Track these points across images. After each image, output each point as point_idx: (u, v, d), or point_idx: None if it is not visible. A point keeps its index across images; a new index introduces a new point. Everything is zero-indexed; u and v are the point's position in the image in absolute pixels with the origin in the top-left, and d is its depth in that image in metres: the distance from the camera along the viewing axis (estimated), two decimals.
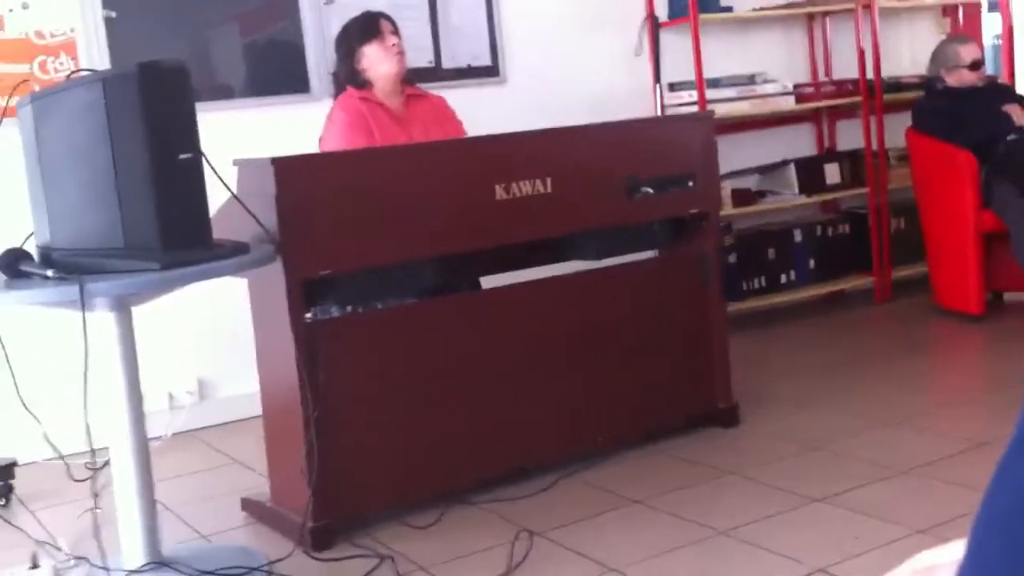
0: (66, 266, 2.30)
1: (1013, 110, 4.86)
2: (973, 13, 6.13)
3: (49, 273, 2.27)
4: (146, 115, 2.33)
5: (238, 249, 2.54)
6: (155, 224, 2.33)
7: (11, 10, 3.90)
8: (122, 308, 2.43)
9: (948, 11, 6.06)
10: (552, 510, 3.01)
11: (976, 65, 5.00)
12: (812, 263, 5.39)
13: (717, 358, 3.61)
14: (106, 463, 2.66)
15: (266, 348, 3.03)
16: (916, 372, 4.18)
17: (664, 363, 3.48)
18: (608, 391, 3.39)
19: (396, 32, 3.83)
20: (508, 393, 3.21)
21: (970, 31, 6.03)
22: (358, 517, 2.98)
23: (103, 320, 2.44)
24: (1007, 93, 5.21)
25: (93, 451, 2.30)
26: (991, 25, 6.41)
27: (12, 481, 3.46)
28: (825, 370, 4.28)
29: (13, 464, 3.45)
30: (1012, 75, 5.83)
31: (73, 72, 3.79)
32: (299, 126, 4.05)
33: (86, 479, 3.33)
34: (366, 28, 3.80)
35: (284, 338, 2.83)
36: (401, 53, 3.81)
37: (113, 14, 4.02)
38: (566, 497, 3.11)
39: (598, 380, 3.37)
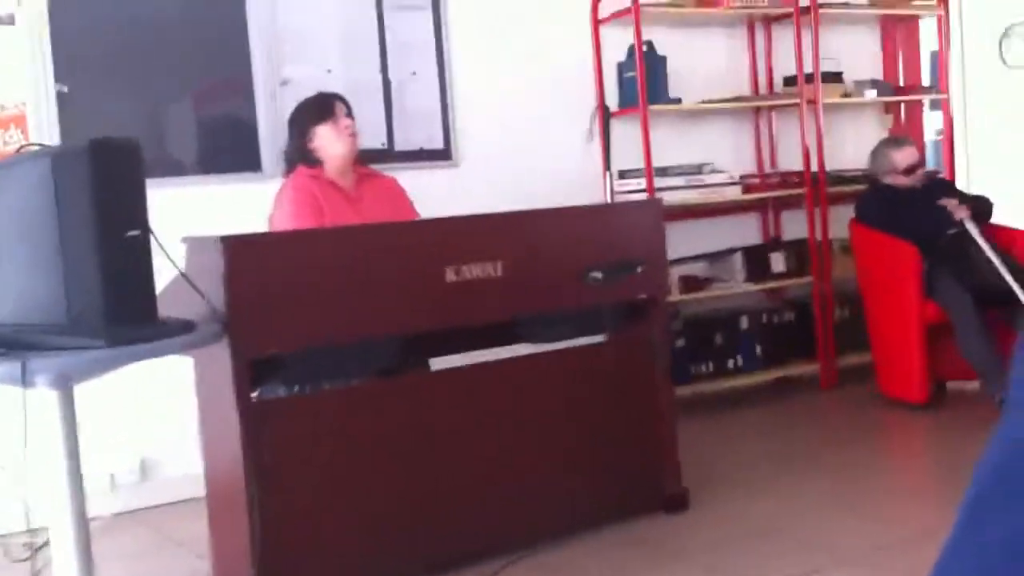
0: (7, 342, 2.26)
1: (950, 204, 4.96)
2: (915, 110, 6.31)
3: None
4: (95, 191, 2.31)
5: (184, 327, 2.51)
6: (100, 301, 2.29)
7: None
8: (64, 386, 2.38)
9: (891, 108, 6.23)
10: None
11: (911, 170, 5.10)
12: (759, 349, 5.43)
13: (666, 442, 3.61)
14: (45, 543, 2.60)
15: (210, 427, 2.98)
16: (862, 459, 4.20)
17: (613, 447, 3.48)
18: (557, 475, 3.37)
19: (350, 114, 3.86)
20: (455, 476, 3.18)
21: (912, 128, 6.20)
22: None
23: (44, 398, 2.39)
24: (947, 188, 5.34)
25: (31, 532, 2.24)
26: (933, 121, 6.60)
27: None
28: (772, 456, 4.29)
29: None
30: (952, 171, 5.99)
31: (23, 146, 3.78)
32: (249, 204, 4.05)
33: (25, 559, 3.25)
34: (320, 109, 3.83)
35: (229, 417, 2.79)
36: (354, 135, 3.84)
37: (65, 88, 4.02)
38: None
39: (547, 464, 3.36)
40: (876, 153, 5.24)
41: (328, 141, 3.80)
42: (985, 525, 0.57)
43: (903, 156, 5.11)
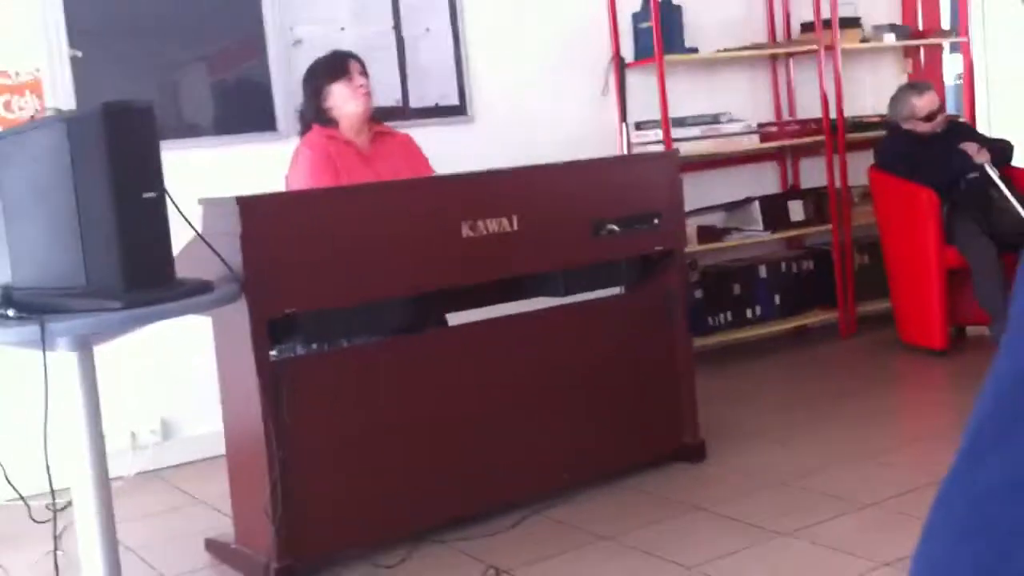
0: (27, 306, 2.29)
1: (970, 148, 4.92)
2: (934, 54, 6.23)
3: (10, 313, 2.25)
4: (110, 155, 2.32)
5: (202, 288, 2.53)
6: (117, 263, 2.32)
7: None
8: (84, 348, 2.41)
9: (910, 52, 6.16)
10: (520, 547, 3.01)
11: (932, 116, 5.03)
12: (777, 299, 5.43)
13: (684, 394, 3.62)
14: (67, 504, 2.63)
15: (230, 387, 3.01)
16: (881, 407, 4.21)
17: (631, 399, 3.49)
18: (575, 428, 3.39)
19: (364, 72, 3.85)
20: (475, 431, 3.21)
21: (931, 72, 6.13)
22: (324, 557, 2.96)
23: (65, 360, 2.42)
24: (967, 132, 5.29)
25: (53, 492, 2.28)
26: (952, 65, 6.52)
27: None
28: (791, 405, 4.30)
29: None
30: (972, 116, 5.92)
31: (38, 112, 3.80)
32: (265, 164, 4.06)
33: (47, 521, 3.30)
34: (334, 67, 3.81)
35: (248, 377, 2.82)
36: (368, 94, 3.83)
37: (79, 53, 4.03)
38: (534, 534, 3.11)
39: (565, 417, 3.38)
40: (896, 99, 5.18)
41: (342, 100, 3.79)
42: (984, 456, 0.57)
43: (924, 102, 5.05)
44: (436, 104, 4.81)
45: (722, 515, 3.13)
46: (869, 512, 3.04)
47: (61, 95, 3.97)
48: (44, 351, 2.15)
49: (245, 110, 4.42)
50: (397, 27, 4.72)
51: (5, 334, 2.24)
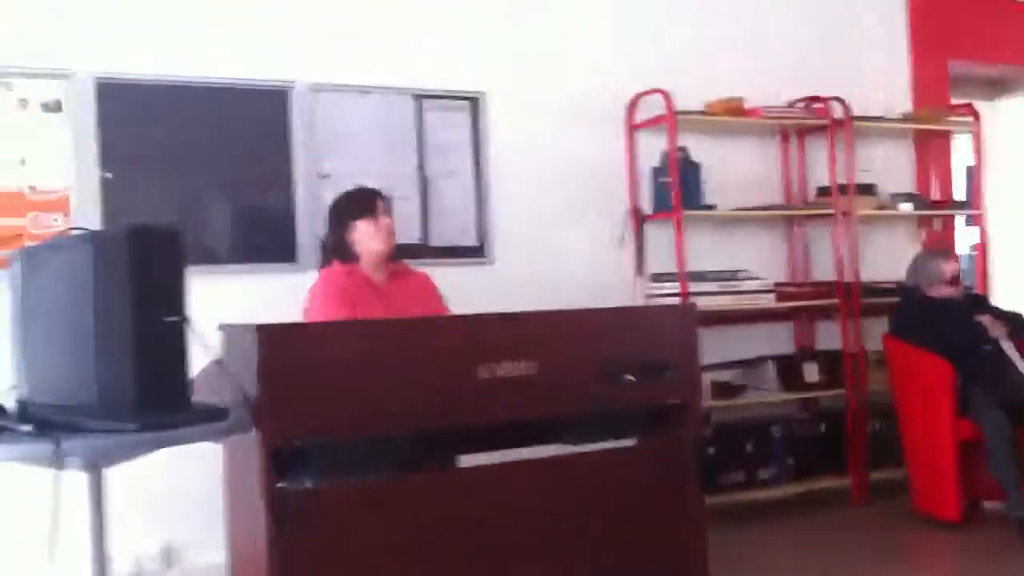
0: (42, 422, 2.26)
1: (986, 320, 4.95)
2: (948, 224, 6.31)
3: (24, 428, 2.22)
4: (133, 276, 2.33)
5: (215, 414, 2.50)
6: (133, 384, 2.30)
7: (8, 164, 3.95)
8: (95, 468, 2.38)
9: (924, 221, 6.23)
10: None
11: (955, 280, 5.12)
12: (790, 460, 5.36)
13: (695, 551, 3.53)
14: None
15: (236, 515, 2.95)
16: None
17: (641, 553, 3.40)
18: None
19: (389, 212, 3.89)
20: (479, 574, 3.12)
21: (945, 240, 6.19)
22: None
23: (75, 479, 2.38)
24: (981, 303, 5.31)
25: None
26: (965, 235, 6.59)
27: None
28: (803, 573, 4.18)
29: None
30: (985, 286, 5.96)
31: (66, 229, 3.83)
32: (284, 295, 4.05)
33: None
34: (361, 204, 3.86)
35: (255, 506, 2.76)
36: (391, 234, 3.87)
37: (109, 175, 4.08)
38: None
39: (572, 566, 3.29)
40: (922, 263, 5.23)
41: (366, 237, 3.82)
42: None
43: (950, 267, 5.12)
44: (455, 244, 4.85)
45: None
46: None
47: (89, 214, 4.01)
48: (57, 470, 2.11)
49: (267, 240, 4.46)
50: (422, 167, 4.80)
51: (18, 450, 2.21)
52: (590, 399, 3.37)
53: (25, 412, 2.36)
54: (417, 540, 3.02)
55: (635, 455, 3.55)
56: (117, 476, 2.61)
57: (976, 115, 5.99)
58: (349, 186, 4.14)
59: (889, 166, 6.11)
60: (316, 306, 3.76)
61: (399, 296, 3.87)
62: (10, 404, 2.41)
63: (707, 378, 4.97)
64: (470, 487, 3.22)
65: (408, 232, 4.59)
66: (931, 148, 6.28)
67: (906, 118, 5.95)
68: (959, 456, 4.73)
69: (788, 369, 5.36)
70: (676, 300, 4.96)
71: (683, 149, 5.19)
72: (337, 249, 3.86)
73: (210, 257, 4.30)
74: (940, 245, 6.00)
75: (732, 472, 5.18)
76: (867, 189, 5.75)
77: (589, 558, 3.33)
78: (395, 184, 4.59)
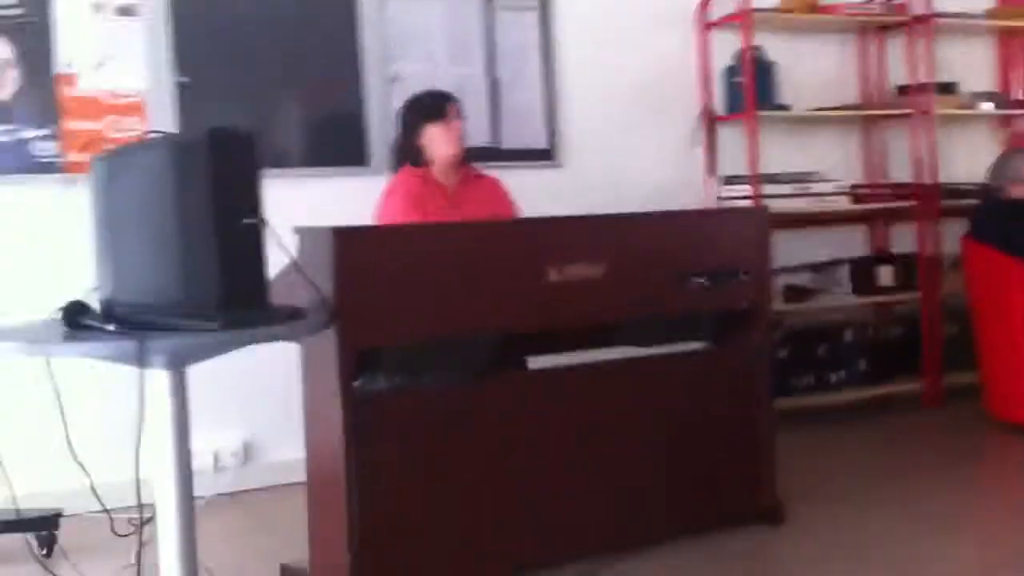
0: (126, 321, 2.32)
1: None
2: None
3: (109, 327, 2.29)
4: (214, 179, 2.36)
5: (295, 314, 2.56)
6: (216, 285, 2.34)
7: (85, 69, 4.00)
8: (178, 366, 2.44)
9: (1006, 121, 6.06)
10: None
11: None
12: (863, 364, 5.33)
13: (763, 455, 3.56)
14: (149, 519, 2.65)
15: (314, 414, 3.03)
16: (964, 481, 4.10)
17: (709, 456, 3.44)
18: (650, 481, 3.35)
19: (461, 116, 3.89)
20: (550, 477, 3.18)
21: None
22: None
23: (158, 377, 2.46)
24: None
25: (141, 507, 2.30)
26: None
27: (56, 532, 3.46)
28: (873, 474, 4.20)
29: (58, 515, 3.45)
30: None
31: (145, 133, 3.89)
32: (355, 198, 4.09)
33: (129, 534, 3.33)
34: (433, 108, 3.86)
35: (333, 405, 2.83)
36: (462, 138, 3.87)
37: (185, 79, 4.12)
38: None
39: (641, 469, 3.33)
40: (1007, 162, 5.09)
41: (437, 141, 3.83)
42: None
43: None
44: (526, 147, 4.84)
45: None
46: None
47: (164, 118, 4.07)
48: (141, 367, 2.18)
49: (338, 143, 4.48)
50: (491, 69, 4.77)
51: (104, 348, 2.28)
52: (660, 302, 3.38)
53: (110, 311, 2.43)
54: (489, 442, 3.08)
55: (704, 358, 3.57)
56: (199, 376, 2.69)
57: None
58: (419, 89, 4.15)
59: (971, 64, 5.93)
60: (387, 210, 3.79)
61: (470, 200, 3.89)
62: (94, 305, 2.48)
63: (779, 282, 4.94)
64: (540, 390, 3.26)
65: (478, 135, 4.58)
66: (1014, 46, 6.07)
67: (989, 14, 5.75)
68: None
69: (862, 272, 5.30)
70: (748, 203, 4.91)
71: (757, 48, 5.09)
72: (408, 153, 3.88)
73: (282, 161, 4.34)
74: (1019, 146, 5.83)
75: (803, 376, 5.17)
76: (947, 88, 5.60)
77: (657, 460, 3.37)
78: (465, 86, 4.57)
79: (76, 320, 2.37)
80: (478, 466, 3.06)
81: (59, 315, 2.40)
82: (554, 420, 3.20)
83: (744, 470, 3.54)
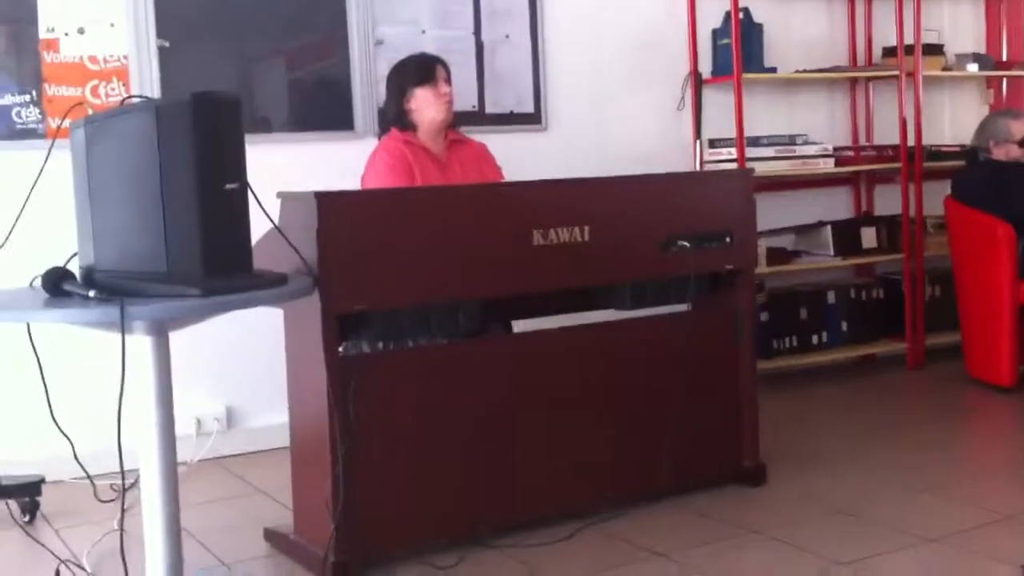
0: (108, 287, 2.32)
1: None
2: (1017, 86, 6.14)
3: (91, 293, 2.29)
4: (196, 144, 2.35)
5: (278, 280, 2.56)
6: (198, 250, 2.35)
7: (67, 34, 3.98)
8: (160, 332, 2.45)
9: (992, 83, 6.07)
10: (573, 559, 3.00)
11: None
12: (845, 325, 5.37)
13: (746, 416, 3.59)
14: (132, 485, 2.65)
15: (297, 380, 3.04)
16: (946, 441, 4.14)
17: (692, 417, 3.47)
18: (634, 442, 3.38)
19: (449, 80, 3.88)
20: (535, 438, 3.21)
21: (1013, 103, 6.03)
22: (380, 554, 2.98)
23: (140, 343, 2.46)
24: None
25: (123, 473, 2.31)
26: None
27: (39, 498, 3.48)
28: (854, 434, 4.24)
29: (41, 481, 3.47)
30: None
31: (127, 98, 3.87)
32: (341, 163, 4.09)
33: (111, 500, 3.36)
34: (421, 71, 3.85)
35: (317, 370, 2.84)
36: (450, 102, 3.86)
37: (166, 43, 4.10)
38: (587, 547, 3.10)
39: (625, 430, 3.36)
40: (990, 123, 5.11)
41: (425, 105, 3.83)
42: None
43: (1020, 126, 5.00)
44: (511, 111, 4.83)
45: (779, 540, 3.09)
46: (929, 547, 2.99)
47: (147, 83, 4.05)
48: (123, 333, 2.19)
49: (323, 108, 4.46)
50: (477, 32, 4.75)
51: (85, 314, 2.28)
52: (644, 265, 3.39)
53: (91, 278, 2.43)
54: (473, 405, 3.11)
55: (689, 320, 3.58)
56: (181, 342, 2.70)
57: None
58: (404, 52, 4.13)
59: (958, 25, 5.95)
60: (374, 174, 3.79)
61: (457, 165, 3.89)
62: (75, 271, 2.48)
63: (762, 244, 4.95)
64: (525, 352, 3.28)
65: (464, 99, 4.57)
66: (1002, 7, 6.07)
67: None
68: (1016, 321, 4.71)
69: (845, 234, 5.32)
70: (734, 165, 4.92)
71: (745, 10, 5.07)
72: (396, 117, 3.87)
73: (265, 125, 4.33)
74: (1004, 108, 5.84)
75: (785, 337, 5.20)
76: (934, 49, 5.60)
77: (644, 421, 3.40)
78: (450, 50, 4.55)
79: (57, 286, 2.38)
80: (463, 429, 3.09)
81: (40, 282, 2.40)
82: (539, 383, 3.23)
83: (727, 431, 3.57)
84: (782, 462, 3.76)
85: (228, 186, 2.40)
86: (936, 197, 5.29)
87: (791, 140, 5.20)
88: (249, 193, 2.46)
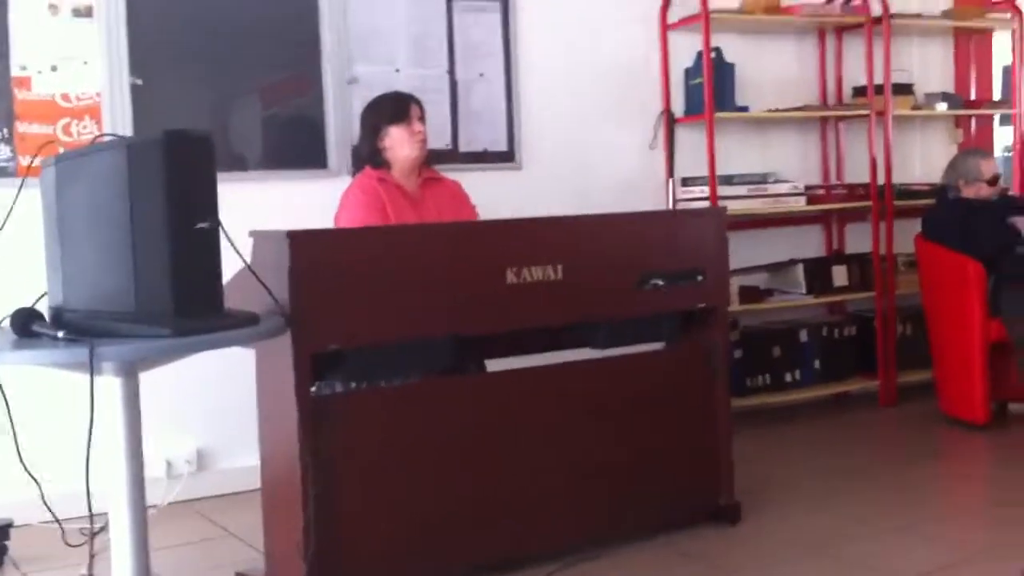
0: (77, 328, 2.30)
1: (1020, 222, 4.90)
2: (985, 125, 6.22)
3: (59, 334, 2.27)
4: (168, 182, 2.34)
5: (250, 319, 2.54)
6: (169, 290, 2.33)
7: (40, 72, 3.96)
8: (130, 373, 2.42)
9: (961, 122, 6.14)
10: None
11: (994, 180, 5.07)
12: (817, 363, 5.38)
13: (720, 454, 3.59)
14: (101, 529, 2.61)
15: (269, 420, 3.01)
16: (920, 479, 4.15)
17: (667, 456, 3.46)
18: (610, 481, 3.36)
19: (423, 118, 3.89)
20: (511, 477, 3.19)
21: (980, 142, 6.11)
22: None
23: (109, 384, 2.44)
24: (1016, 205, 5.25)
25: (92, 517, 2.28)
26: (1001, 137, 6.50)
27: (7, 543, 3.42)
28: (828, 472, 4.24)
29: (9, 525, 3.42)
30: (1022, 186, 5.88)
31: (98, 136, 3.85)
32: (315, 201, 4.08)
33: (81, 544, 3.30)
34: (395, 109, 3.85)
35: (288, 411, 2.82)
36: (424, 140, 3.87)
37: (139, 81, 4.09)
38: None
39: (600, 469, 3.35)
40: (960, 162, 5.17)
41: (399, 143, 3.83)
42: None
43: (989, 166, 5.07)
44: (485, 149, 4.84)
45: None
46: None
47: (119, 121, 4.03)
48: (92, 374, 2.16)
49: (297, 145, 4.46)
50: (452, 71, 4.76)
51: (54, 355, 2.25)
52: (618, 303, 3.39)
53: (60, 318, 2.40)
54: (447, 444, 3.09)
55: (662, 359, 3.59)
56: (151, 383, 2.67)
57: (1019, 12, 5.85)
58: (378, 90, 4.14)
59: (928, 65, 6.03)
60: (347, 212, 3.78)
61: (431, 203, 3.89)
62: (45, 311, 2.45)
63: (735, 282, 4.97)
64: (500, 391, 3.27)
65: (438, 137, 4.58)
66: (972, 46, 6.15)
67: (945, 15, 5.82)
68: (987, 358, 4.73)
69: (817, 273, 5.35)
70: (706, 204, 4.94)
71: (716, 50, 5.12)
72: (370, 155, 3.87)
73: (238, 163, 4.32)
74: (972, 146, 5.91)
75: (759, 375, 5.21)
76: (904, 89, 5.66)
77: (616, 460, 3.39)
78: (425, 88, 4.56)
79: (26, 327, 2.35)
80: (436, 469, 3.06)
81: (8, 322, 2.38)
82: (513, 422, 3.21)
83: (702, 470, 3.56)
84: (758, 501, 3.76)
85: (199, 225, 2.39)
86: (907, 235, 5.33)
87: (763, 178, 5.23)
88: (221, 232, 2.45)
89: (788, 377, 5.30)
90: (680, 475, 3.50)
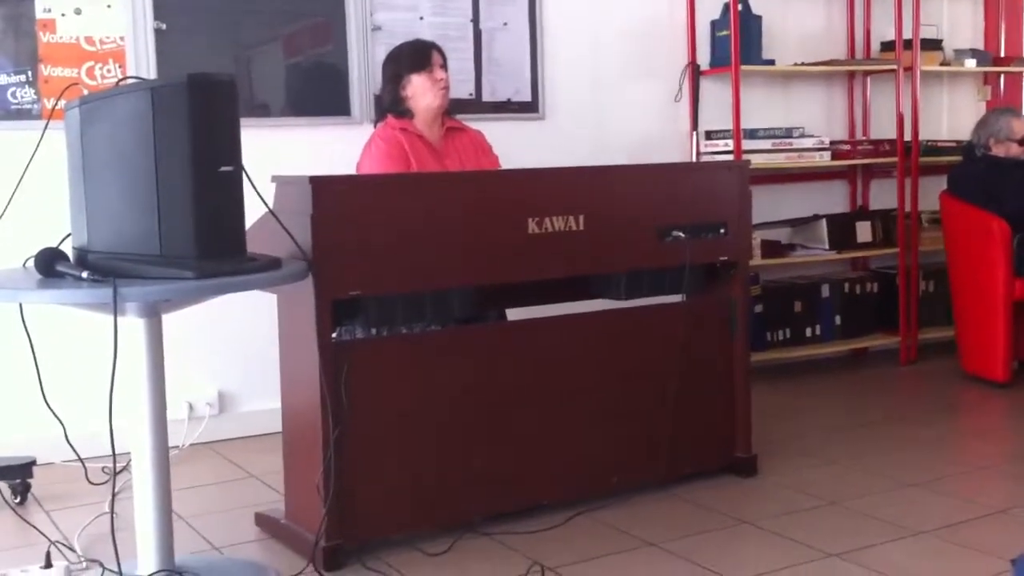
0: (101, 269, 2.32)
1: None
2: (1015, 82, 6.14)
3: (83, 274, 2.29)
4: (192, 125, 2.36)
5: (272, 264, 2.56)
6: (192, 233, 2.35)
7: (63, 14, 3.96)
8: (153, 315, 2.45)
9: (989, 79, 6.07)
10: (565, 546, 3.00)
11: None
12: (838, 319, 5.37)
13: (739, 407, 3.60)
14: (123, 468, 2.66)
15: (290, 365, 3.04)
16: (938, 435, 4.15)
17: (685, 408, 3.47)
18: (627, 431, 3.38)
19: (445, 66, 3.86)
20: (528, 426, 3.21)
21: (1009, 100, 6.04)
22: (371, 539, 2.97)
23: (132, 326, 2.46)
24: None
25: (115, 456, 2.31)
26: None
27: (30, 480, 3.47)
28: (846, 427, 4.25)
29: (32, 463, 3.46)
30: None
31: (122, 79, 3.86)
32: (337, 148, 4.09)
33: (103, 483, 3.36)
34: (417, 57, 3.83)
35: (309, 356, 2.84)
36: (446, 88, 3.85)
37: (163, 26, 4.08)
38: (580, 534, 3.10)
39: (618, 419, 3.36)
40: (992, 120, 5.11)
41: (421, 91, 3.81)
42: None
43: (1022, 125, 5.01)
44: (509, 99, 4.82)
45: (769, 531, 3.10)
46: (920, 540, 3.00)
47: (143, 65, 4.03)
48: (115, 315, 2.18)
49: (320, 93, 4.45)
50: (475, 20, 4.73)
51: (77, 295, 2.28)
52: (639, 255, 3.39)
53: (84, 259, 2.42)
54: (466, 392, 3.10)
55: (683, 311, 3.58)
56: (174, 325, 2.69)
57: None
58: (401, 39, 4.12)
59: (957, 20, 5.95)
60: (369, 161, 3.78)
61: (453, 152, 3.88)
62: (69, 252, 2.48)
63: (757, 236, 4.95)
64: (519, 340, 3.28)
65: (461, 87, 4.56)
66: (1000, 2, 6.06)
67: None
68: (1011, 316, 4.72)
69: (841, 228, 5.32)
70: (730, 157, 4.91)
71: (744, 1, 5.06)
72: (392, 104, 3.86)
73: (261, 110, 4.32)
74: (1001, 104, 5.84)
75: (779, 330, 5.20)
76: (932, 44, 5.60)
77: (638, 411, 3.40)
78: (448, 37, 4.54)
79: (50, 267, 2.37)
80: (456, 416, 3.08)
81: (33, 263, 2.40)
82: (532, 370, 3.22)
83: (720, 422, 3.58)
84: (774, 454, 3.77)
85: (223, 168, 2.40)
86: (932, 192, 5.29)
87: (788, 133, 5.19)
88: (244, 176, 2.46)
89: (808, 332, 5.30)
90: (697, 427, 3.51)
